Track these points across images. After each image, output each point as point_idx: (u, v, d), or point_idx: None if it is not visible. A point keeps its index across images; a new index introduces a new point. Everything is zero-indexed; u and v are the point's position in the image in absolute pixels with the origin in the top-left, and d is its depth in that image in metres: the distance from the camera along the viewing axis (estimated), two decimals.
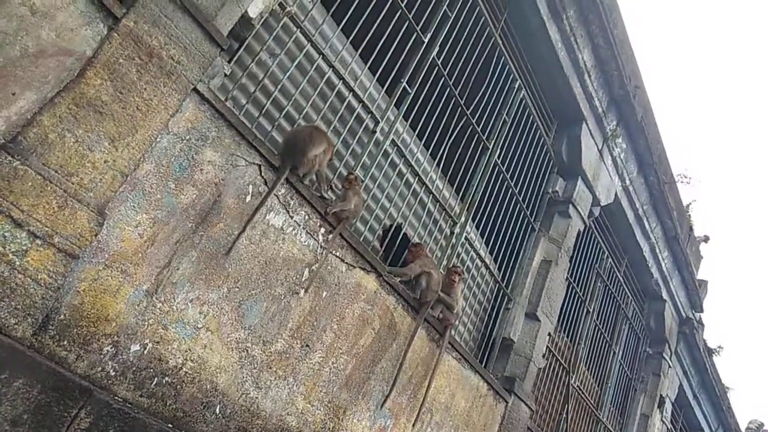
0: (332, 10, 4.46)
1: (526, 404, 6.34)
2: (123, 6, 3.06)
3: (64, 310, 2.85)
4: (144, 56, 3.12)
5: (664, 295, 10.02)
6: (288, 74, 4.20)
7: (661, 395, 10.32)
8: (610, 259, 8.64)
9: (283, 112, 4.22)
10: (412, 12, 4.97)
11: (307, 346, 4.04)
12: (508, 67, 6.17)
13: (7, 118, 2.68)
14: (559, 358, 7.62)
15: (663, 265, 9.68)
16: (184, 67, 3.30)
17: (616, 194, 7.91)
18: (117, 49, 3.01)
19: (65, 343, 2.85)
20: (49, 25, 2.80)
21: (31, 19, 2.75)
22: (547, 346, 6.94)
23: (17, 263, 2.62)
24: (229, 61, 3.84)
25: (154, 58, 3.16)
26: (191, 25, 3.32)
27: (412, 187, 5.32)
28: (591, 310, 8.26)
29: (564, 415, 7.58)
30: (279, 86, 4.16)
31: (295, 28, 4.21)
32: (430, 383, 4.93)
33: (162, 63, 3.19)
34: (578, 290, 7.90)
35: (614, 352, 9.24)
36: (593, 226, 8.00)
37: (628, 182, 8.15)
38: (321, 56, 4.38)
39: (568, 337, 7.98)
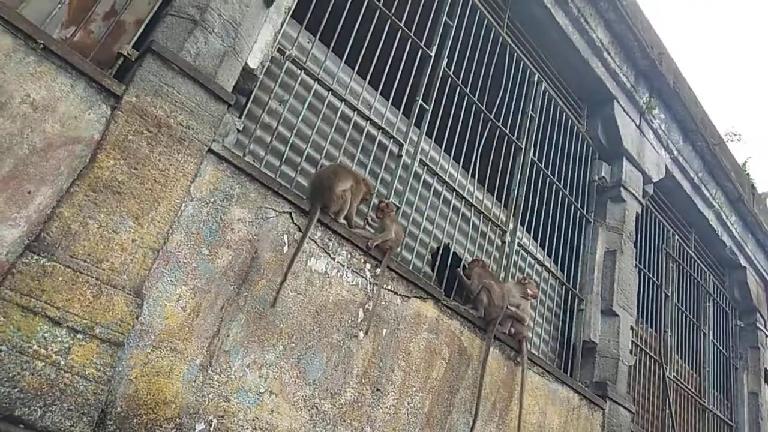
0: (332, 45, 4.38)
1: (625, 407, 5.87)
2: (122, 83, 3.03)
3: (120, 402, 2.73)
4: (152, 128, 3.06)
5: (743, 262, 9.36)
6: (301, 117, 4.10)
7: (765, 368, 9.52)
8: (677, 236, 8.13)
9: (304, 156, 4.11)
10: (413, 29, 4.85)
11: (378, 390, 3.81)
12: (522, 62, 5.96)
13: (28, 217, 2.63)
14: (648, 351, 7.11)
15: (733, 230, 9.07)
16: (195, 130, 3.22)
17: (666, 167, 7.48)
18: (124, 127, 2.96)
19: None
20: (52, 118, 2.77)
21: (33, 115, 2.72)
22: (633, 341, 6.47)
23: (62, 363, 2.51)
24: (239, 117, 3.78)
25: (163, 128, 3.10)
26: (193, 87, 3.26)
27: (452, 204, 5.11)
28: (669, 294, 7.74)
29: (667, 410, 7.03)
30: (294, 131, 4.06)
31: (298, 71, 4.14)
32: (521, 404, 4.59)
33: (171, 131, 3.13)
34: (651, 275, 7.41)
35: (704, 333, 8.60)
36: (651, 206, 7.57)
37: (675, 153, 7.72)
38: (330, 92, 4.28)
39: (652, 327, 7.46)
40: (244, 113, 3.84)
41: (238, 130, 3.69)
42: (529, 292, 5.05)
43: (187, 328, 3.03)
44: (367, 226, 4.26)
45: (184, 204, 3.12)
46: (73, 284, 2.62)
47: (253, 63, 3.70)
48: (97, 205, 2.79)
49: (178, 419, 2.90)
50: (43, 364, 2.48)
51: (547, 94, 6.24)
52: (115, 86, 2.97)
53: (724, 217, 8.76)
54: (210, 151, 3.28)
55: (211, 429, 3.01)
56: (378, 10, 4.61)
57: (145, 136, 3.02)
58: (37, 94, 2.75)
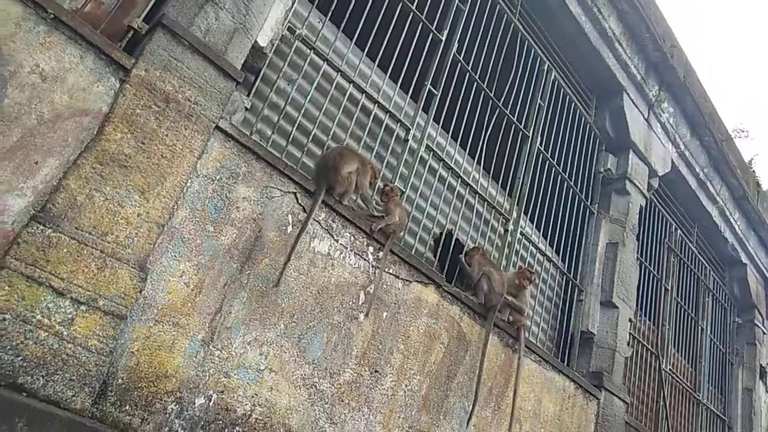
0: (342, 25, 4.34)
1: (620, 398, 5.92)
2: (131, 56, 3.01)
3: (121, 374, 2.75)
4: (160, 102, 3.05)
5: (744, 259, 9.36)
6: (309, 97, 4.09)
7: (761, 365, 9.55)
8: (679, 231, 8.13)
9: (311, 137, 4.10)
10: (424, 12, 4.81)
11: (377, 371, 3.84)
12: (533, 50, 5.92)
13: (34, 188, 2.63)
14: (645, 343, 7.14)
15: (736, 227, 9.06)
16: (203, 106, 3.22)
17: (672, 162, 7.46)
18: (132, 100, 2.95)
19: (127, 407, 2.74)
20: (60, 89, 2.76)
21: (42, 85, 2.72)
22: (630, 333, 6.50)
23: (65, 333, 2.53)
24: (247, 95, 3.76)
25: (171, 103, 3.09)
26: (203, 63, 3.25)
27: (456, 191, 5.10)
28: (669, 288, 7.75)
29: (661, 403, 7.08)
30: (302, 111, 4.04)
31: (308, 51, 4.11)
32: (516, 391, 4.63)
33: (180, 106, 3.12)
34: (652, 269, 7.42)
35: (702, 328, 8.63)
36: (655, 199, 7.55)
37: (682, 147, 7.68)
38: (339, 73, 4.26)
39: (650, 320, 7.49)
40: (252, 91, 3.83)
41: (246, 109, 3.68)
42: (515, 281, 4.98)
43: (189, 304, 3.04)
44: (372, 213, 4.26)
45: (190, 180, 3.12)
46: (77, 256, 2.63)
47: (263, 41, 3.68)
48: (104, 177, 2.79)
49: (178, 393, 2.93)
50: (47, 333, 2.50)
51: (556, 83, 6.20)
52: (124, 59, 2.96)
53: (727, 213, 8.75)
54: (217, 128, 3.27)
55: (211, 404, 3.05)
56: None
57: (153, 110, 3.01)
58: (46, 65, 2.74)
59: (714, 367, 8.86)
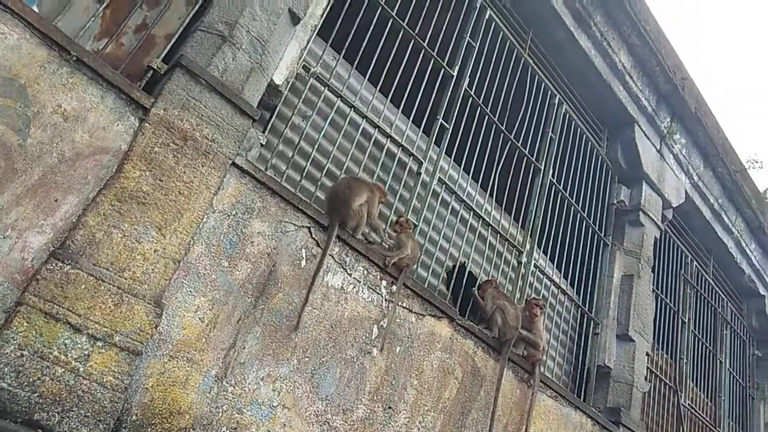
0: (356, 62, 4.43)
1: None
2: (150, 96, 3.09)
3: (135, 410, 2.75)
4: (178, 141, 3.11)
5: (761, 290, 9.23)
6: (323, 133, 4.15)
7: None
8: (695, 263, 8.04)
9: (324, 171, 4.15)
10: (436, 48, 4.90)
11: (390, 407, 3.80)
12: (543, 84, 5.98)
13: (54, 225, 2.68)
14: (663, 378, 7.01)
15: (753, 258, 8.95)
16: (220, 144, 3.27)
17: (686, 193, 7.43)
18: (151, 139, 3.01)
19: None
20: (81, 128, 2.83)
21: (64, 125, 2.79)
22: (648, 367, 6.39)
23: (81, 369, 2.55)
24: (263, 131, 3.83)
25: (189, 141, 3.15)
26: (220, 102, 3.31)
27: (469, 223, 5.11)
28: (686, 321, 7.64)
29: None
30: (316, 146, 4.10)
31: (322, 87, 4.19)
32: (527, 428, 4.55)
33: (197, 144, 3.18)
34: (668, 301, 7.33)
35: (720, 362, 8.47)
36: (669, 231, 7.50)
37: (696, 178, 7.66)
38: (352, 109, 4.32)
39: (667, 353, 7.36)
40: (268, 128, 3.89)
41: (261, 145, 3.73)
42: (526, 313, 4.96)
43: (204, 339, 3.05)
44: (383, 242, 4.27)
45: (206, 216, 3.16)
46: (95, 292, 2.66)
47: (279, 79, 3.76)
48: (122, 214, 2.83)
49: (191, 430, 2.92)
50: (63, 370, 2.51)
51: (567, 115, 6.24)
52: (143, 99, 3.04)
53: (743, 244, 8.66)
54: (233, 164, 3.32)
55: None
56: (402, 30, 4.66)
57: (171, 148, 3.07)
58: (68, 105, 2.81)
59: (734, 401, 8.66)
